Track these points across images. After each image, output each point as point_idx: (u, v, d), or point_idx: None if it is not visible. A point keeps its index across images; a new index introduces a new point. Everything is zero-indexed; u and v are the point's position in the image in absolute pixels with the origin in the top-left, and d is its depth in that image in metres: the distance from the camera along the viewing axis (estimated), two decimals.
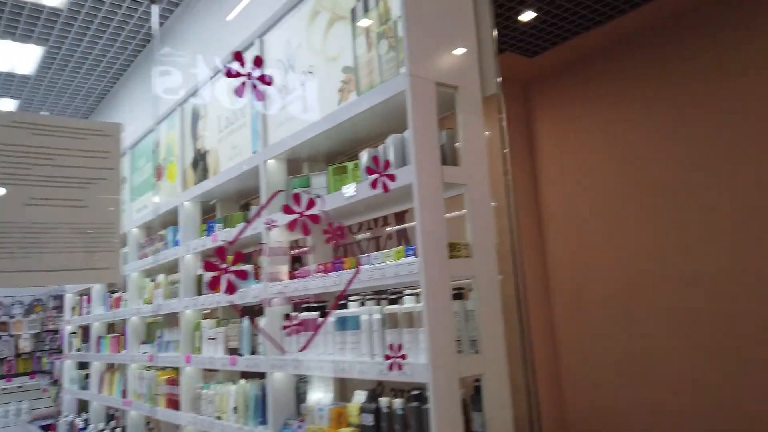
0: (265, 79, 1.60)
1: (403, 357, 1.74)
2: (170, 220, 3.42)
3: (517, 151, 4.83)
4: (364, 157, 2.06)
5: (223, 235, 2.60)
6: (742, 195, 3.57)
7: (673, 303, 3.86)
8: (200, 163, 3.07)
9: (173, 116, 3.40)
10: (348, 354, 2.08)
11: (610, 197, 4.32)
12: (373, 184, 1.81)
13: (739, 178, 3.60)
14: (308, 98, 2.11)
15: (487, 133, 2.01)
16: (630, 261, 4.15)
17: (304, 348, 2.05)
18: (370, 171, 1.81)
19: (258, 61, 1.58)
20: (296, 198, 1.87)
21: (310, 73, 2.14)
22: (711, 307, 3.66)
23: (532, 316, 4.56)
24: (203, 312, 3.25)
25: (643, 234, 4.09)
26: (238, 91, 1.62)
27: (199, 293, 3.10)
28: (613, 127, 4.34)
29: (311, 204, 1.86)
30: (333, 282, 2.07)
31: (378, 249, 2.49)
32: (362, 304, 2.11)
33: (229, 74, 1.57)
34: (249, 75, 1.59)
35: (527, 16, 3.95)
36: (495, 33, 1.99)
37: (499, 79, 1.99)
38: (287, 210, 1.92)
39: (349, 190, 2.01)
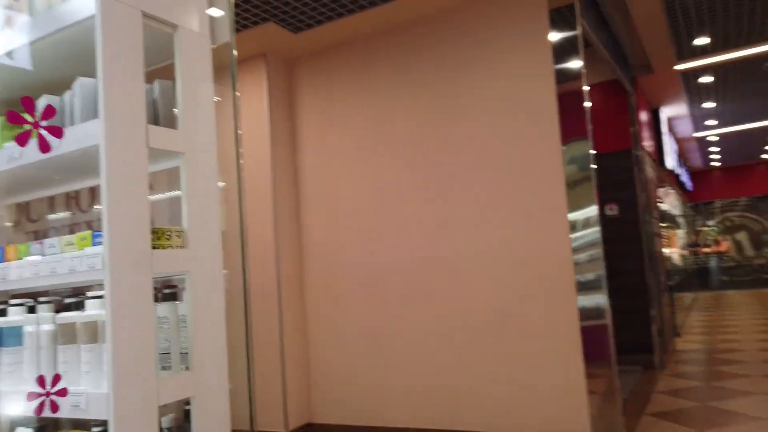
0: None
1: (61, 393, 1.25)
2: None
3: (279, 130, 4.51)
4: (42, 104, 1.48)
5: None
6: (475, 193, 3.85)
7: (414, 290, 4.00)
8: None
9: None
10: (4, 380, 1.48)
11: (363, 185, 4.29)
12: (21, 139, 1.25)
13: (471, 177, 3.86)
14: None
15: (218, 98, 1.61)
16: (378, 247, 4.18)
17: None
18: (13, 118, 1.25)
19: None
20: None
21: None
22: (447, 292, 3.89)
23: (286, 309, 4.36)
24: None
25: (390, 220, 4.15)
26: None
27: None
28: (367, 116, 4.31)
29: None
30: None
31: None
32: (31, 311, 1.53)
33: None
34: None
35: None
36: None
37: (235, 50, 1.60)
38: None
39: (14, 150, 1.41)
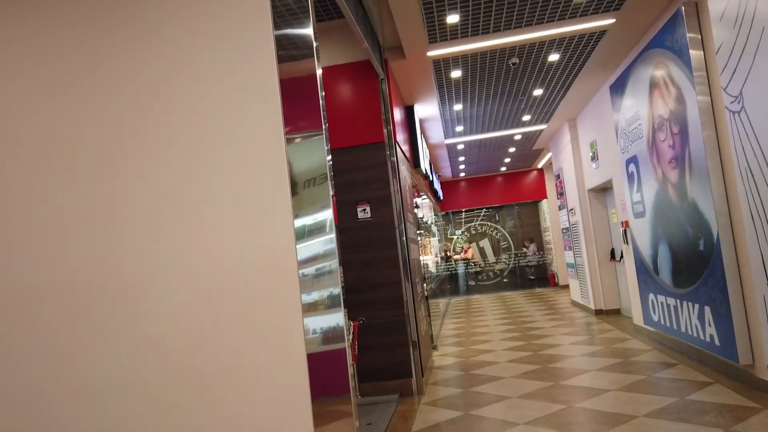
0: None
1: None
2: None
3: None
4: None
5: None
6: (162, 189, 2.38)
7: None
8: None
9: None
10: None
11: None
12: None
13: (159, 168, 2.38)
14: None
15: None
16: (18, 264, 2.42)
17: None
18: None
19: None
20: None
21: None
22: (130, 323, 2.33)
23: None
24: None
25: (38, 225, 2.43)
26: None
27: None
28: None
29: None
30: None
31: None
32: None
33: None
34: None
35: None
36: None
37: None
38: None
39: None
